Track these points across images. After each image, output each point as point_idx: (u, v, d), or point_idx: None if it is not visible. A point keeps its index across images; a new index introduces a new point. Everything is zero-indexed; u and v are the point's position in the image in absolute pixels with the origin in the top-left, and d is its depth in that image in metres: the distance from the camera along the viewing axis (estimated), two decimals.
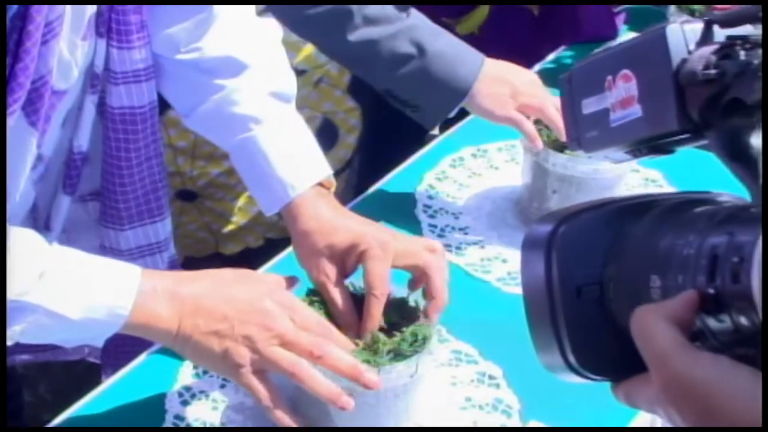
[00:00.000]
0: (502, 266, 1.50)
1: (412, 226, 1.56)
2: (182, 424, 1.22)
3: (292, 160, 1.30)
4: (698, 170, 1.41)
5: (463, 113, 1.82)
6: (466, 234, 1.57)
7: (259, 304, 1.13)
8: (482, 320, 1.38)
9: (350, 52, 1.60)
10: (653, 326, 0.59)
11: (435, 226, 1.57)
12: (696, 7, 1.87)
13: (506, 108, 1.58)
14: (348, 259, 1.24)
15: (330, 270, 1.23)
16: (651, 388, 0.62)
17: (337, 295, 1.22)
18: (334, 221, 1.26)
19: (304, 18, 1.58)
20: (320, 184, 1.30)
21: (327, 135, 1.91)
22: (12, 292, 1.05)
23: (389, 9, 1.59)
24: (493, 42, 1.63)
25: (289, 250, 1.47)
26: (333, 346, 1.13)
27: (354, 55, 1.61)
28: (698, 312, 0.58)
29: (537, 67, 1.97)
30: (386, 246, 1.23)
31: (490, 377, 1.30)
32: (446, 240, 1.55)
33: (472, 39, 1.73)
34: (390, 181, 1.69)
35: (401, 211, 1.60)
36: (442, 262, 1.25)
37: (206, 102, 1.35)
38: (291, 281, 1.22)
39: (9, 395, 1.02)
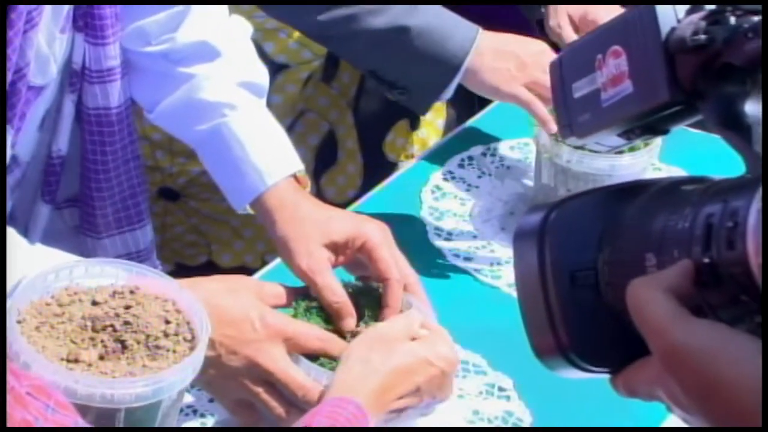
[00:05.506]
0: (512, 271, 1.49)
1: (418, 229, 1.57)
2: None
3: (268, 149, 1.31)
4: (723, 166, 1.40)
5: (472, 110, 1.82)
6: (475, 237, 1.57)
7: (249, 332, 1.12)
8: (491, 328, 1.38)
9: (327, 31, 1.58)
10: (649, 297, 0.61)
11: (442, 230, 1.58)
12: None
13: (512, 84, 1.53)
14: (345, 251, 1.24)
15: (325, 257, 1.22)
16: (649, 370, 0.63)
17: (333, 282, 1.20)
18: (323, 211, 1.27)
19: None
20: (295, 179, 1.31)
21: (329, 151, 1.91)
22: None
23: None
24: None
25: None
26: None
27: (330, 34, 1.59)
28: (696, 286, 0.59)
29: None
30: (386, 232, 1.24)
31: (500, 389, 1.30)
32: (454, 244, 1.55)
33: None
34: (394, 182, 1.70)
35: (406, 214, 1.60)
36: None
37: (174, 93, 1.36)
38: (289, 295, 1.21)
39: None
